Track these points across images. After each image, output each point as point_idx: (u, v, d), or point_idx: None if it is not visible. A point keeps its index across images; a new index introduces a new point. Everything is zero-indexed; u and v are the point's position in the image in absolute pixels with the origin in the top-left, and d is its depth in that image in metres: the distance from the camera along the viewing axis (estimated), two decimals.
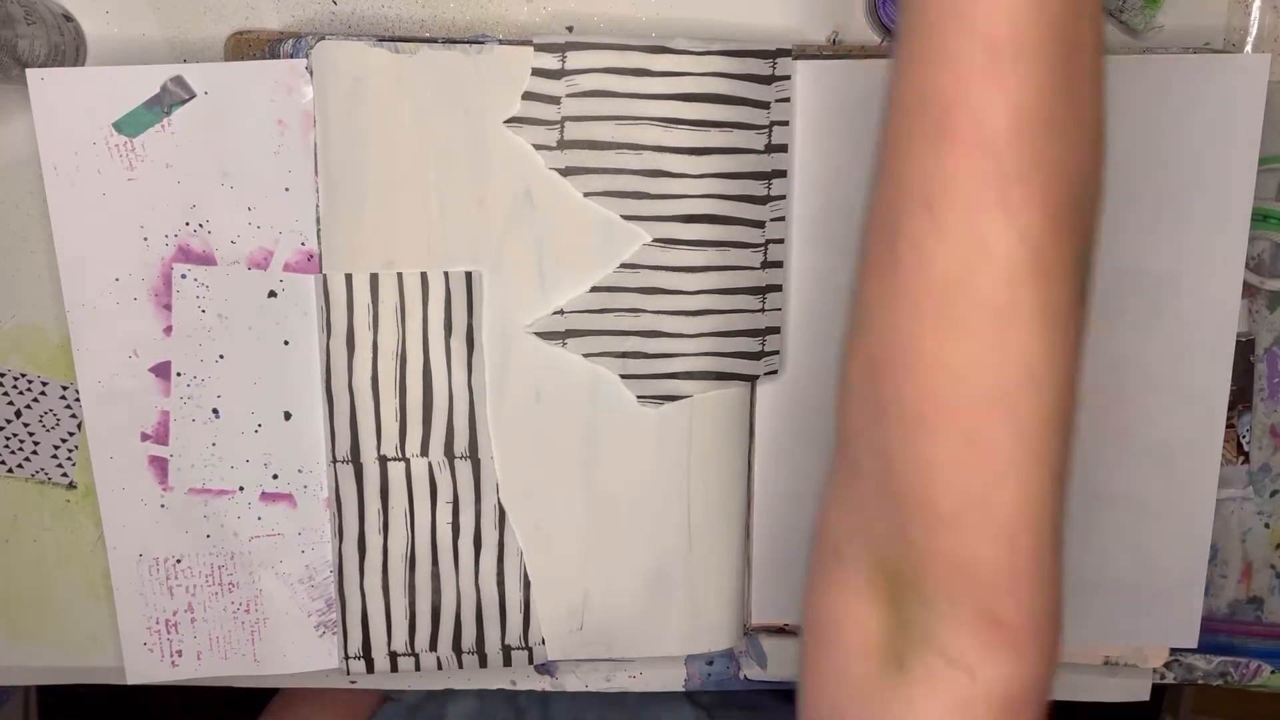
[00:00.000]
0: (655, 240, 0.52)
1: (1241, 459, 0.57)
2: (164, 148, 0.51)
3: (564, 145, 0.51)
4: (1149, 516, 0.55)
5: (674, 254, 0.52)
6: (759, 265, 0.53)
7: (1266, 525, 0.58)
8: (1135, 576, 0.55)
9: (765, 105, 0.51)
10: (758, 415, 0.55)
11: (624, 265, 0.52)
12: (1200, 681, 0.60)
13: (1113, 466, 0.54)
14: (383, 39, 0.50)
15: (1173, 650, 0.59)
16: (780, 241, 0.53)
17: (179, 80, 0.50)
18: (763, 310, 0.53)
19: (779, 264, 0.53)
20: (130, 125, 0.51)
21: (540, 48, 0.50)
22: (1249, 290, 0.55)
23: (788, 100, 0.51)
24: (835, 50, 0.53)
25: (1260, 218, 0.54)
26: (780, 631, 0.58)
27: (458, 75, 0.50)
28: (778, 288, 0.53)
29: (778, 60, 0.51)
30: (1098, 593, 0.55)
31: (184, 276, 0.52)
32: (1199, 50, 0.52)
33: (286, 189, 0.52)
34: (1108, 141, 0.31)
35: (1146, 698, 0.59)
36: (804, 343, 0.54)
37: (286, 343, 0.53)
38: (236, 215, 0.52)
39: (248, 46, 0.52)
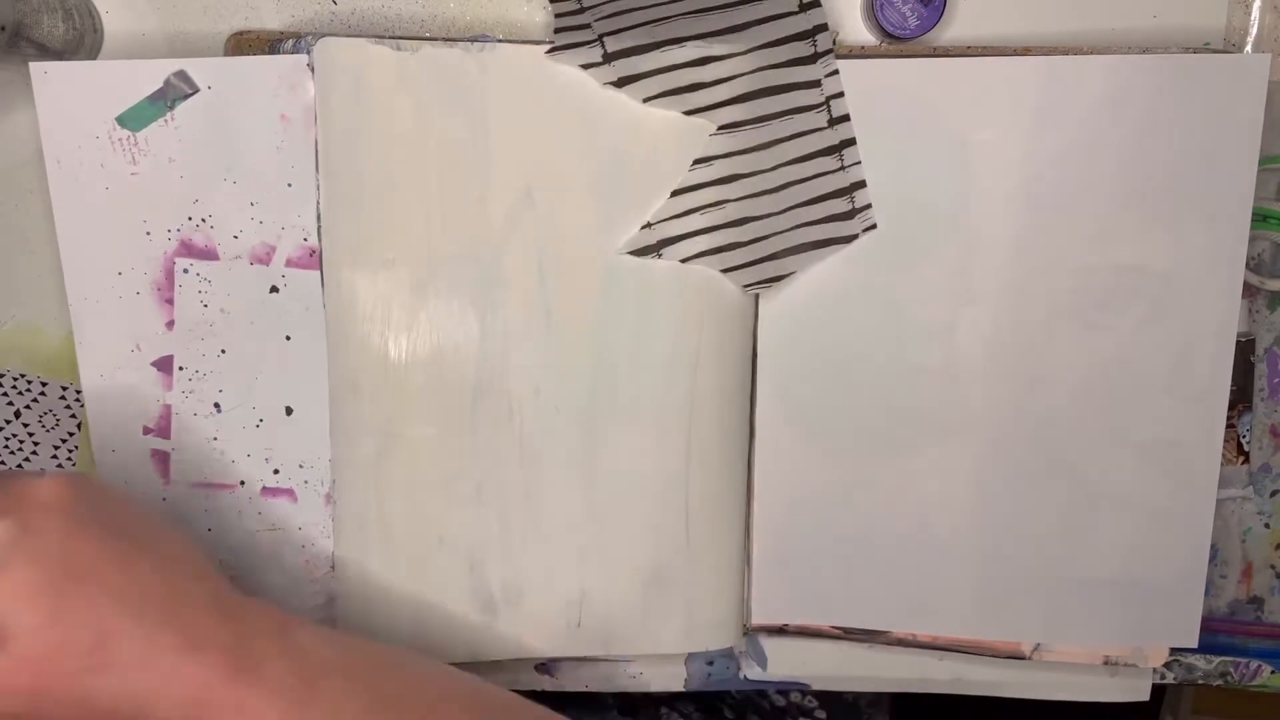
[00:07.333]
0: (720, 128, 0.51)
1: (1241, 459, 0.57)
2: (167, 142, 0.51)
3: (610, 58, 0.50)
4: (1149, 516, 0.54)
5: (740, 137, 0.51)
6: (826, 124, 0.52)
7: (1266, 525, 0.58)
8: (1135, 576, 0.55)
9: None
10: (758, 415, 0.55)
11: (697, 161, 0.51)
12: (1200, 681, 0.60)
13: (1113, 467, 0.54)
14: (383, 38, 0.50)
15: (1173, 650, 0.59)
16: (841, 95, 0.52)
17: (182, 75, 0.50)
18: (842, 168, 0.52)
19: (846, 117, 0.52)
20: (133, 119, 0.51)
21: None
22: (1249, 290, 0.55)
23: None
24: (835, 50, 0.53)
25: (1260, 218, 0.54)
26: (780, 631, 0.57)
27: (459, 73, 0.50)
28: (852, 142, 0.52)
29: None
30: (1098, 593, 0.55)
31: (186, 271, 0.53)
32: (1199, 50, 0.52)
33: (289, 184, 0.52)
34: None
35: (1146, 698, 0.59)
36: (806, 343, 0.54)
37: (288, 338, 0.53)
38: (239, 210, 0.52)
39: (248, 46, 0.52)
